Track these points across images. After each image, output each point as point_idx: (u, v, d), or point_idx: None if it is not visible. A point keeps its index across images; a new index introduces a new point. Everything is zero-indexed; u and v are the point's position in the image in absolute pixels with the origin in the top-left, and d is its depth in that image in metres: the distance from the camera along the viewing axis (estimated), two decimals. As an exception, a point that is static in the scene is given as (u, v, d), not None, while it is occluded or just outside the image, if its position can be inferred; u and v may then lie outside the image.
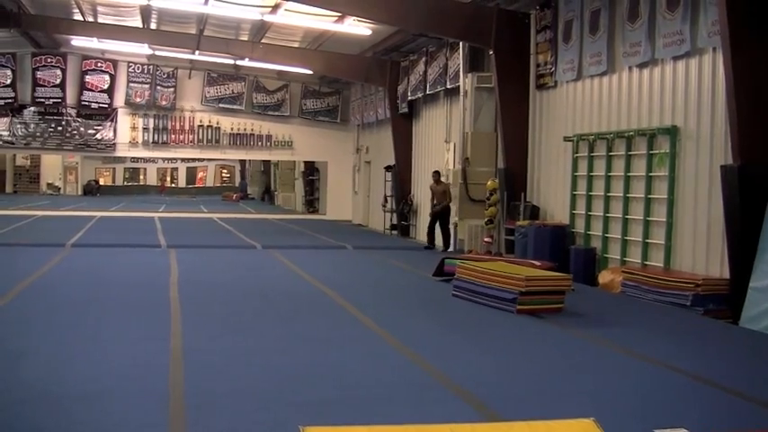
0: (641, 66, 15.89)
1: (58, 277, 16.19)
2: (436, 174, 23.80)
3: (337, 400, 7.65)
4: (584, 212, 17.83)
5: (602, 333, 11.23)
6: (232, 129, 37.52)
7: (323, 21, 26.22)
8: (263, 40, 30.46)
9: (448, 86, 24.41)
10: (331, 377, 8.50)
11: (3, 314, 11.70)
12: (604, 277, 16.00)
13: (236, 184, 70.41)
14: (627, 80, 16.45)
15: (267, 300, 13.95)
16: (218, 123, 37.47)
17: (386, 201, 30.45)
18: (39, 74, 36.25)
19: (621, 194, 16.43)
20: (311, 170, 43.33)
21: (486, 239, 21.21)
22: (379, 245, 25.03)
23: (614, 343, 10.56)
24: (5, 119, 36.50)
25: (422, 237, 27.07)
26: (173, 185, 73.83)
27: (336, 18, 25.55)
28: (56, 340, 9.96)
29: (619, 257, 16.47)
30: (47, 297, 13.46)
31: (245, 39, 31.28)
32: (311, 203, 43.62)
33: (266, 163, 56.88)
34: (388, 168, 30.28)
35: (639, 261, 15.74)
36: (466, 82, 22.64)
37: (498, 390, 8.12)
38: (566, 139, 18.43)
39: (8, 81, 36.02)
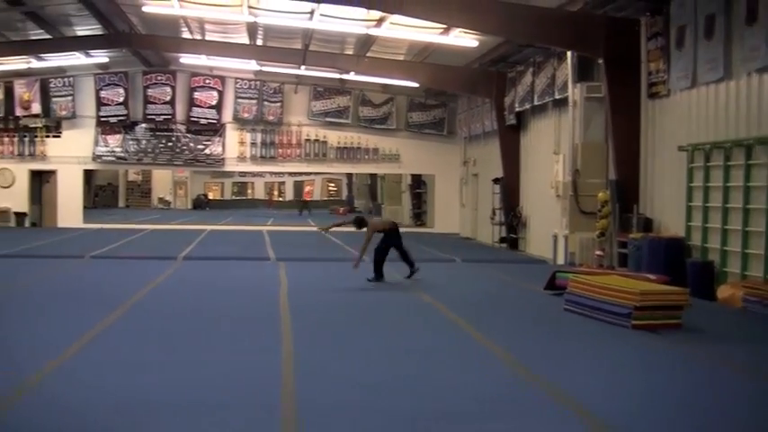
0: (761, 70, 15.30)
1: (171, 289, 16.38)
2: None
3: (446, 413, 7.51)
4: (700, 224, 17.26)
5: (722, 350, 10.83)
6: (339, 142, 37.56)
7: (428, 33, 26.07)
8: (368, 54, 30.46)
9: (556, 97, 24.02)
10: (440, 390, 8.37)
11: (119, 325, 11.85)
12: (724, 292, 15.44)
13: (344, 198, 70.70)
14: (745, 86, 15.87)
15: (376, 312, 13.87)
16: (324, 137, 37.56)
17: (494, 213, 30.14)
18: (149, 91, 36.88)
19: (740, 206, 15.86)
20: (418, 183, 43.15)
21: (597, 252, 20.77)
22: (488, 258, 24.77)
23: (735, 361, 10.17)
24: (118, 135, 37.21)
25: (532, 249, 26.72)
26: (280, 199, 74.45)
27: (442, 30, 25.38)
28: (168, 350, 10.06)
29: (738, 271, 15.86)
30: (159, 309, 13.65)
31: (351, 53, 31.32)
32: (419, 216, 43.43)
33: (373, 176, 56.98)
34: (495, 181, 29.96)
35: (762, 275, 15.16)
36: (575, 92, 22.26)
37: (614, 406, 7.82)
38: (680, 148, 17.91)
39: (121, 99, 36.73)
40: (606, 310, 12.63)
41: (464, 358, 10.16)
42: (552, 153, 24.69)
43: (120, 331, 11.40)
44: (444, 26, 24.65)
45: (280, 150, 37.60)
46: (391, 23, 25.20)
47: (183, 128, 37.27)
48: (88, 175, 43.61)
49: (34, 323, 12.13)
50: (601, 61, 20.38)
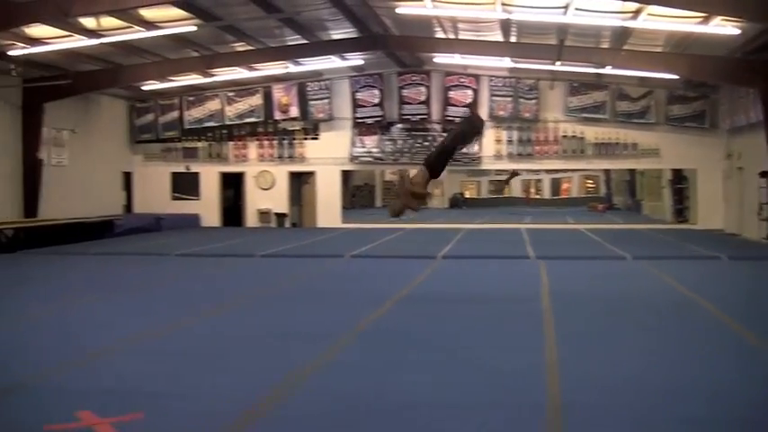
0: None
1: (431, 288, 16.52)
2: None
3: (714, 419, 7.25)
4: None
5: None
6: (596, 138, 36.88)
7: (686, 23, 25.22)
8: (624, 47, 29.77)
9: (828, 83, 22.74)
10: (707, 394, 8.07)
11: (381, 323, 12.06)
12: None
13: (601, 194, 69.58)
14: None
15: (639, 311, 13.53)
16: (581, 133, 36.99)
17: (761, 209, 28.86)
18: (404, 92, 37.45)
19: None
20: (679, 178, 41.87)
21: None
22: (757, 255, 23.69)
23: None
24: (375, 136, 37.99)
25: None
26: (537, 197, 74.09)
27: (701, 19, 24.50)
28: (432, 349, 10.13)
29: None
30: (421, 307, 13.80)
31: (607, 46, 30.68)
32: (680, 212, 42.13)
33: (631, 172, 55.83)
34: (762, 174, 28.69)
35: None
36: None
37: None
38: None
39: (376, 100, 37.49)
40: None
41: (731, 359, 9.77)
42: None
43: (383, 329, 11.62)
44: (704, 15, 23.81)
45: (536, 147, 37.30)
46: (648, 14, 24.54)
47: (438, 127, 37.60)
48: (345, 175, 44.71)
49: (299, 320, 12.52)
50: None
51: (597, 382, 8.43)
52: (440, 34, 31.10)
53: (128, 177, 39.77)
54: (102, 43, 27.33)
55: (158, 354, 10.17)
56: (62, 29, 25.67)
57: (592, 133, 36.89)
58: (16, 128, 31.04)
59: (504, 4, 25.14)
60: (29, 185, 31.38)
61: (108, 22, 25.44)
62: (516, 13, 25.93)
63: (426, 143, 37.53)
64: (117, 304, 14.61)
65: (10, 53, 27.20)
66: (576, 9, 24.60)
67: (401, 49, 33.79)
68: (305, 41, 31.06)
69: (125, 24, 25.73)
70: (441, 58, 34.88)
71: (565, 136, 37.11)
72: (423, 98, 37.32)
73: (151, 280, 18.66)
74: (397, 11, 26.28)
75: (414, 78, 37.42)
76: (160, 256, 23.99)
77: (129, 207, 39.64)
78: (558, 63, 32.29)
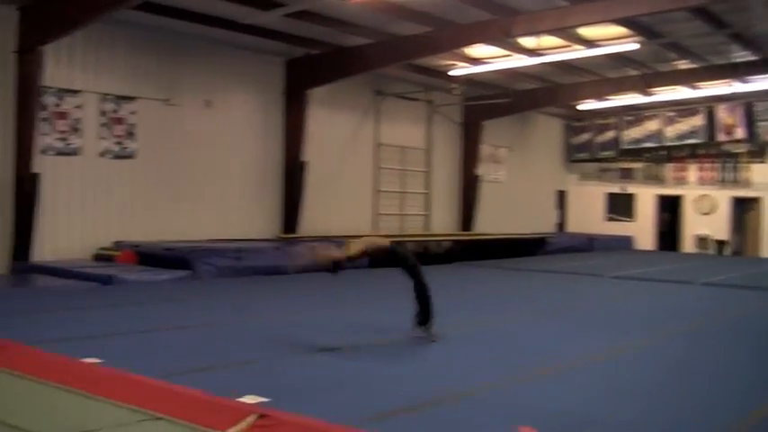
0: None
1: None
2: None
3: None
4: None
5: None
6: None
7: None
8: None
9: None
10: None
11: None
12: None
13: None
14: None
15: None
16: None
17: None
18: None
19: None
20: None
21: None
22: None
23: None
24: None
25: None
26: None
27: None
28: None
29: None
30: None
31: None
32: None
33: None
34: None
35: None
36: None
37: None
38: None
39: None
40: None
41: None
42: None
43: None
44: None
45: None
46: None
47: None
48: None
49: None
50: None
51: None
52: None
53: (561, 196, 40.09)
54: (541, 62, 27.48)
55: (592, 378, 9.59)
56: (502, 48, 26.16)
57: None
58: (457, 144, 32.48)
59: None
60: (466, 200, 32.83)
61: (547, 41, 25.53)
62: None
63: None
64: (553, 324, 14.28)
65: (452, 73, 28.24)
66: None
67: None
68: (754, 58, 29.37)
69: (564, 43, 25.66)
70: None
71: None
72: None
73: (584, 301, 18.22)
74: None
75: None
76: (593, 276, 23.55)
77: (561, 225, 39.93)
78: None
